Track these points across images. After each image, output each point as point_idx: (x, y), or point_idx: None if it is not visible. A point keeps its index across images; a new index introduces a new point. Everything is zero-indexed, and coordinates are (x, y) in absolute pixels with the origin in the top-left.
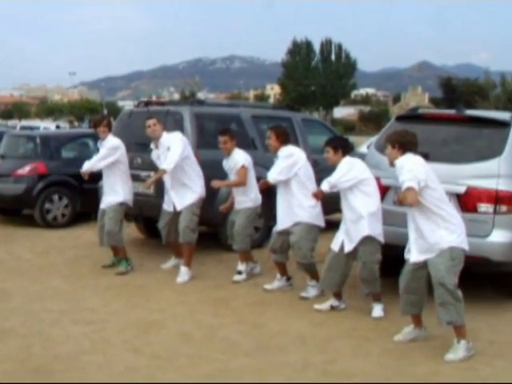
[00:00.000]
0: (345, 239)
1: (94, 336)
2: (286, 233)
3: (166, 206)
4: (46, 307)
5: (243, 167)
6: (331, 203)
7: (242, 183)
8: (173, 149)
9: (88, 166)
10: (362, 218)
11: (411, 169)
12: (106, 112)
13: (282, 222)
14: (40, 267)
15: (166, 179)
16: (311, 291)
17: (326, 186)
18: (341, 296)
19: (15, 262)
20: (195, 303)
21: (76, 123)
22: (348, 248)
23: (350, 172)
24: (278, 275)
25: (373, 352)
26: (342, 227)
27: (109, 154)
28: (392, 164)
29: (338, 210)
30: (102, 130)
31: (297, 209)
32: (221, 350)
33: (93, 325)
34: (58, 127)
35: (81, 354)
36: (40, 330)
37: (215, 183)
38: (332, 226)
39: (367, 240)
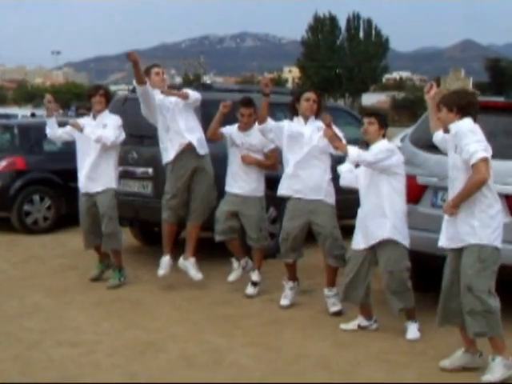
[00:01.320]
0: (359, 235)
1: (81, 360)
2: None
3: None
4: (25, 326)
5: (275, 150)
6: (345, 208)
7: (274, 167)
8: None
9: (113, 139)
10: (384, 217)
11: (479, 139)
12: None
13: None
14: (18, 279)
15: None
16: (335, 301)
17: (354, 154)
18: (371, 314)
19: None
20: (199, 322)
21: (61, 111)
22: (363, 245)
23: (389, 157)
24: (290, 282)
25: (407, 379)
26: (359, 224)
27: (120, 135)
28: (446, 130)
29: (352, 216)
30: (97, 100)
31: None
32: (230, 377)
33: (80, 347)
34: (33, 116)
35: (66, 380)
36: (18, 354)
37: (247, 158)
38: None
39: (390, 245)
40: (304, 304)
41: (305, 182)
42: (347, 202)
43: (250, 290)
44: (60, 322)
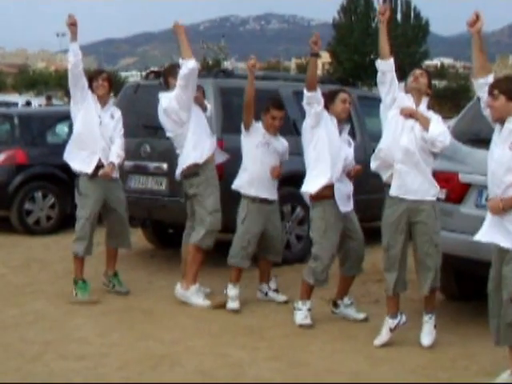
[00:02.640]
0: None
1: (87, 374)
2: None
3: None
4: (26, 337)
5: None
6: (372, 207)
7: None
8: None
9: (119, 160)
10: None
11: None
12: None
13: None
14: (18, 286)
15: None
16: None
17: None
18: (398, 306)
19: None
20: (218, 333)
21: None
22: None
23: None
24: (346, 299)
25: None
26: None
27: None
28: (497, 119)
29: (373, 218)
30: (100, 84)
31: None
32: None
33: (86, 360)
34: (28, 104)
35: None
36: (17, 367)
37: (277, 172)
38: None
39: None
40: (331, 314)
41: (342, 193)
42: (371, 203)
43: (280, 296)
44: (64, 332)
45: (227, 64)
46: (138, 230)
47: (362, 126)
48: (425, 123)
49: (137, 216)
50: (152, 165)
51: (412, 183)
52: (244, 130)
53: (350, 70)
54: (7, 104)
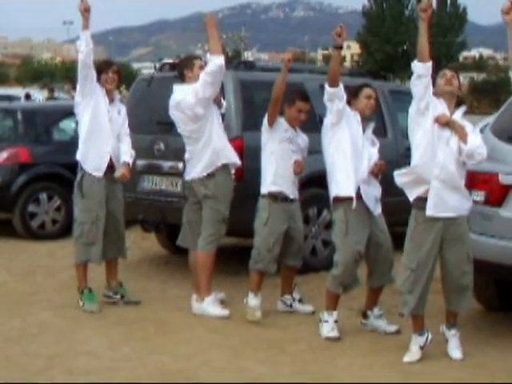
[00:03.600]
0: None
1: None
2: None
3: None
4: (30, 351)
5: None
6: (396, 210)
7: None
8: None
9: (132, 159)
10: None
11: None
12: None
13: None
14: (21, 295)
15: None
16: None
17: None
18: (424, 324)
19: None
20: (238, 346)
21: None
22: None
23: None
24: (376, 309)
25: None
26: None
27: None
28: None
29: (403, 222)
30: (110, 77)
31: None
32: None
33: (94, 375)
34: (27, 97)
35: None
36: (21, 383)
37: (300, 167)
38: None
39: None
40: (360, 325)
41: (369, 195)
42: (400, 205)
43: (307, 307)
44: (71, 345)
45: (248, 55)
46: (151, 234)
47: (394, 122)
48: (463, 134)
49: (150, 219)
50: (166, 164)
51: (449, 200)
52: (267, 125)
53: (381, 62)
54: (10, 98)
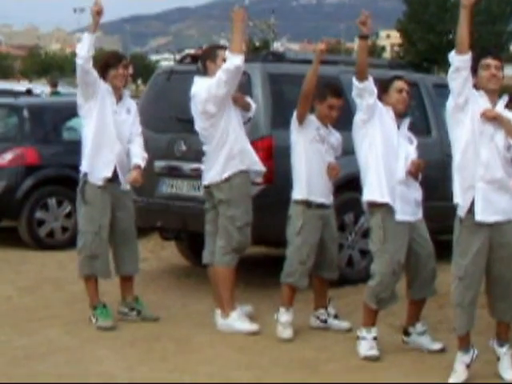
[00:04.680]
0: None
1: None
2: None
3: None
4: (37, 371)
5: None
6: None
7: None
8: None
9: (144, 162)
10: None
11: None
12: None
13: None
14: (27, 310)
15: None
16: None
17: None
18: (470, 340)
19: None
20: (266, 366)
21: None
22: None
23: None
24: (419, 325)
25: None
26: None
27: None
28: None
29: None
30: (120, 72)
31: None
32: None
33: None
34: (29, 93)
35: None
36: None
37: (336, 170)
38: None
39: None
40: (401, 343)
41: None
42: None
43: (341, 324)
44: (83, 366)
45: (277, 45)
46: (170, 243)
47: (439, 118)
48: (510, 129)
49: (169, 227)
50: (188, 165)
51: (498, 202)
52: (297, 123)
53: (424, 53)
54: (15, 93)
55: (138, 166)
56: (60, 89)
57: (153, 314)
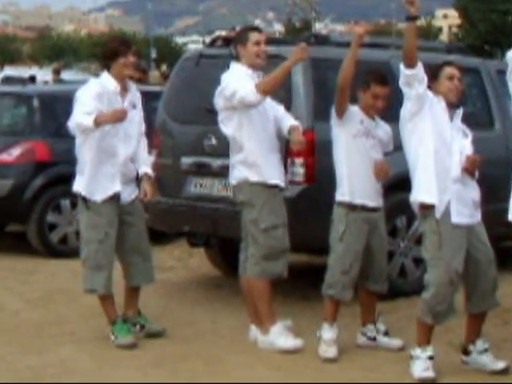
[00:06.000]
0: None
1: None
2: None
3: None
4: None
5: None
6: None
7: None
8: None
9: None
10: None
11: None
12: (153, 56)
13: None
14: (37, 325)
15: None
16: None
17: None
18: None
19: None
20: None
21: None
22: None
23: None
24: (480, 343)
25: None
26: None
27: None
28: None
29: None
30: (130, 61)
31: None
32: None
33: None
34: (32, 79)
35: None
36: None
37: (385, 169)
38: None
39: None
40: (461, 363)
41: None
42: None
43: (392, 342)
44: None
45: (320, 26)
46: (199, 250)
47: (503, 109)
48: None
49: (198, 231)
50: (218, 162)
51: None
52: (336, 117)
53: (486, 34)
54: (23, 80)
55: (149, 177)
56: (64, 76)
57: (159, 326)
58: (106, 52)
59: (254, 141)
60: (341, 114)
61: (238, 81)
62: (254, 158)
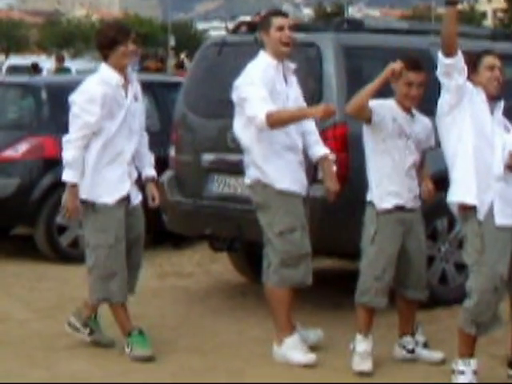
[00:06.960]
0: None
1: None
2: None
3: None
4: None
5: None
6: None
7: None
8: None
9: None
10: None
11: None
12: (172, 44)
13: None
14: (46, 337)
15: None
16: None
17: None
18: None
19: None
20: None
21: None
22: None
23: None
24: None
25: None
26: None
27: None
28: None
29: None
30: (130, 49)
31: None
32: None
33: None
34: (34, 68)
35: None
36: None
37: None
38: None
39: None
40: (507, 378)
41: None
42: None
43: (432, 354)
44: None
45: (353, 11)
46: (222, 255)
47: None
48: None
49: (221, 235)
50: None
51: None
52: (365, 123)
53: None
54: (30, 69)
55: (152, 179)
56: (69, 64)
57: (109, 338)
58: (104, 41)
59: (262, 142)
60: (367, 120)
61: (252, 86)
62: (261, 160)
